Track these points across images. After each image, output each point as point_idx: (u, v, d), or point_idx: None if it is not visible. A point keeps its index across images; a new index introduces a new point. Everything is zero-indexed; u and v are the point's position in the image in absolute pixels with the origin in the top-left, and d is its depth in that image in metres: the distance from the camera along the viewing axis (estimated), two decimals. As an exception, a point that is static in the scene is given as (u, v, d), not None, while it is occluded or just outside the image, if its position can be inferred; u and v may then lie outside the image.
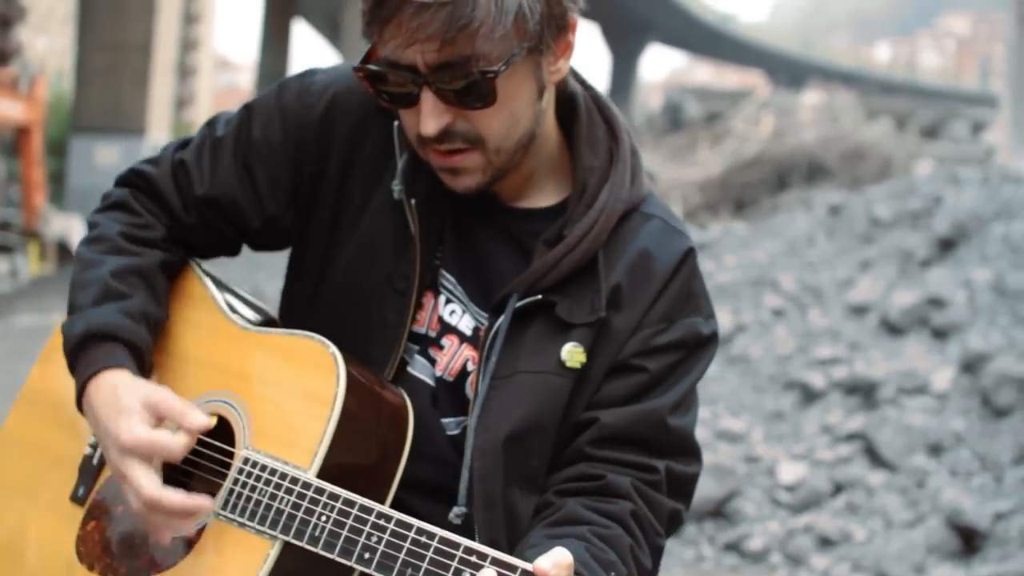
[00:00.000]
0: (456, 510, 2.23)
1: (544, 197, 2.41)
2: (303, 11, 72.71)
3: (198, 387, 2.33)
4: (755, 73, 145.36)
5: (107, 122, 41.09)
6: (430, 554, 1.97)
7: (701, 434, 8.38)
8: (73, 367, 2.33)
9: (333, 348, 2.23)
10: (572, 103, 2.42)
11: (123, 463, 2.18)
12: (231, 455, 2.23)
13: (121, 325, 2.32)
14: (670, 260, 2.34)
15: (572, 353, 2.27)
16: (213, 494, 2.20)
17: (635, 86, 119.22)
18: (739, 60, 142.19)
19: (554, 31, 2.22)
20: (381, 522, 2.03)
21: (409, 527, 2.01)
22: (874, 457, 7.63)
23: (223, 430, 2.26)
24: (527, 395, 2.26)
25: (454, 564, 1.95)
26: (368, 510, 2.05)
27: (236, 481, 2.18)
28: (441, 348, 2.38)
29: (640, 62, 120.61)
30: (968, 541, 6.59)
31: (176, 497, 2.14)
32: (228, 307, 2.46)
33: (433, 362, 2.38)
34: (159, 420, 2.22)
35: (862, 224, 12.53)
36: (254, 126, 2.49)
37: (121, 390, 2.24)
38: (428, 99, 2.18)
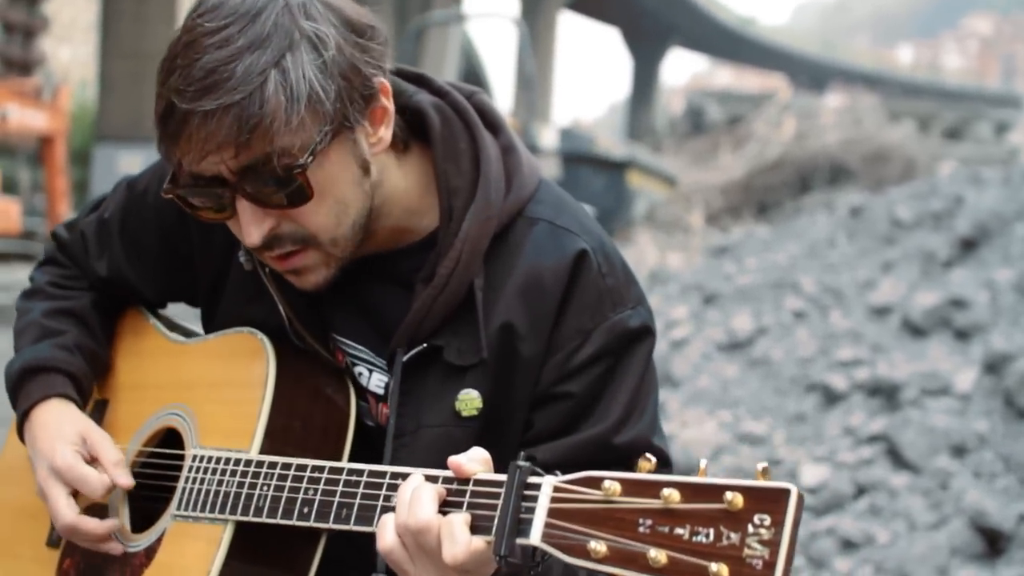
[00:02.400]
0: None
1: (416, 229, 2.26)
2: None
3: (151, 408, 2.39)
4: (777, 76, 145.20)
5: (130, 131, 41.23)
6: (360, 489, 1.98)
7: (723, 437, 8.37)
8: (15, 401, 2.40)
9: (261, 335, 2.24)
10: (422, 119, 2.24)
11: (48, 484, 2.26)
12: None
13: (56, 357, 2.40)
14: (561, 269, 2.17)
15: (465, 402, 2.16)
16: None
17: (657, 90, 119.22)
18: (760, 63, 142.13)
19: (360, 104, 2.06)
20: (315, 475, 2.04)
21: (340, 471, 2.02)
22: (897, 459, 7.58)
23: (178, 441, 2.30)
24: (430, 452, 2.13)
25: (383, 492, 1.95)
26: (303, 467, 2.06)
27: (187, 479, 2.21)
28: (368, 402, 2.32)
29: (662, 66, 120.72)
30: (992, 543, 6.54)
31: (91, 523, 2.24)
32: (167, 327, 2.52)
33: (370, 413, 2.33)
34: (92, 459, 2.28)
35: (883, 225, 12.46)
36: (130, 216, 2.49)
37: (64, 419, 2.33)
38: (244, 208, 2.04)
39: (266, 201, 2.02)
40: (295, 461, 2.06)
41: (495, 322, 2.16)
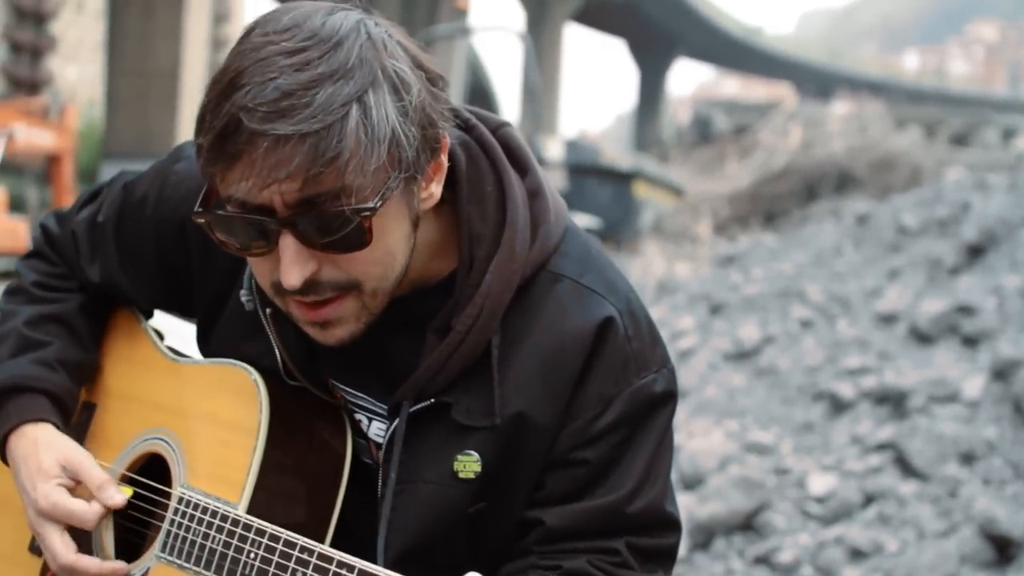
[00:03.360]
0: None
1: (433, 273, 2.12)
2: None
3: (136, 425, 2.33)
4: (783, 85, 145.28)
5: (137, 148, 41.47)
6: None
7: (730, 447, 8.34)
8: None
9: (256, 375, 2.16)
10: (450, 158, 2.06)
11: (40, 526, 2.20)
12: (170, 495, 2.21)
13: (36, 376, 2.31)
14: (585, 336, 2.06)
15: (464, 463, 2.06)
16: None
17: (663, 101, 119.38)
18: (767, 72, 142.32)
19: (428, 155, 1.94)
20: (304, 556, 1.97)
21: (330, 560, 1.94)
22: (905, 467, 7.55)
23: (163, 468, 2.25)
24: (424, 507, 2.08)
25: None
26: (292, 544, 1.99)
27: (172, 522, 2.15)
28: (365, 441, 2.24)
29: (668, 77, 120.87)
30: (1002, 550, 6.50)
31: (91, 563, 2.17)
32: (159, 337, 2.45)
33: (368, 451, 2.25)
34: (76, 483, 2.22)
35: (889, 233, 12.44)
36: (126, 223, 2.36)
37: (41, 447, 2.25)
38: (289, 246, 1.89)
39: (318, 241, 1.88)
40: (284, 535, 2.00)
41: (510, 386, 2.06)
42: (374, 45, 1.87)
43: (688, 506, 7.34)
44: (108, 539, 2.27)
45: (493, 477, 2.08)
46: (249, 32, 1.90)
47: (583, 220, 27.96)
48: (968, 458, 7.44)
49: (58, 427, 2.31)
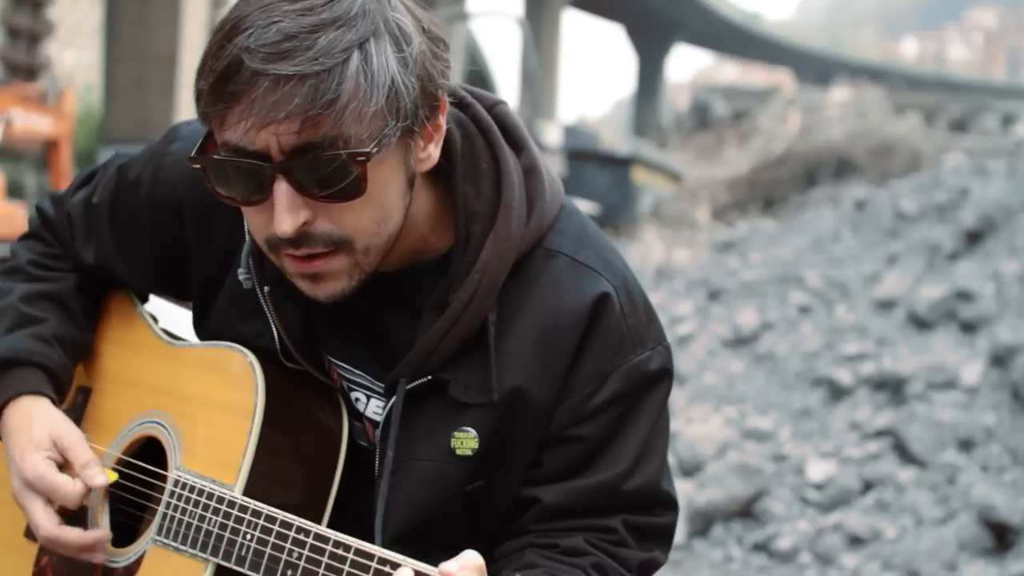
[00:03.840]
0: None
1: (429, 249, 2.12)
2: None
3: (132, 409, 2.32)
4: (782, 71, 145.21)
5: (135, 133, 41.32)
6: (347, 567, 1.90)
7: (728, 433, 8.35)
8: None
9: (251, 357, 2.15)
10: (446, 134, 2.07)
11: (24, 496, 2.20)
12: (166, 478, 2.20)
13: (32, 350, 2.30)
14: (581, 311, 2.05)
15: (461, 440, 2.05)
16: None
17: (662, 87, 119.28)
18: (766, 58, 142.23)
19: (427, 112, 1.93)
20: (301, 537, 1.96)
21: (326, 540, 1.94)
22: (903, 453, 7.56)
23: (160, 452, 2.24)
24: (421, 484, 2.07)
25: (369, 575, 1.87)
26: (288, 525, 1.98)
27: (168, 505, 2.15)
28: (363, 423, 2.23)
29: (666, 63, 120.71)
30: (1000, 537, 6.51)
31: (72, 534, 2.16)
32: (154, 321, 2.43)
33: (364, 434, 2.24)
34: (65, 460, 2.21)
35: (888, 218, 12.43)
36: (121, 205, 2.36)
37: (35, 420, 2.24)
38: (283, 192, 1.88)
39: (312, 189, 1.88)
40: (280, 516, 1.99)
41: (506, 362, 2.05)
42: None
43: (687, 492, 7.35)
44: (104, 522, 2.26)
45: (490, 454, 2.07)
46: None
47: (581, 206, 27.96)
48: (966, 444, 7.45)
49: (54, 401, 2.30)
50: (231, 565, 2.03)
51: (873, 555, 6.74)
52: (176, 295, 2.47)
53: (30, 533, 2.34)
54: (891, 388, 8.41)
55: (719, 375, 9.90)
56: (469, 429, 2.06)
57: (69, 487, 2.17)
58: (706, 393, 9.56)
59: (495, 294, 2.04)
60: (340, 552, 1.91)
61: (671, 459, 8.02)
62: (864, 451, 7.72)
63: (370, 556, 1.88)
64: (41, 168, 37.42)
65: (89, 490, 2.20)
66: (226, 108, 1.84)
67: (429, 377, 2.06)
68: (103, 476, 2.19)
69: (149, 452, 2.28)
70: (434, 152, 2.00)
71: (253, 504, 2.03)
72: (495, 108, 2.19)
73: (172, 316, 2.52)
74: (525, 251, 2.08)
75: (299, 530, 1.97)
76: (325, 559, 1.92)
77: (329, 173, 1.86)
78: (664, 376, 2.13)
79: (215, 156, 1.91)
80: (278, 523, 1.99)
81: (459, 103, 2.15)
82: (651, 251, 25.51)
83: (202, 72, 1.87)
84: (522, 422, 2.07)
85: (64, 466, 2.22)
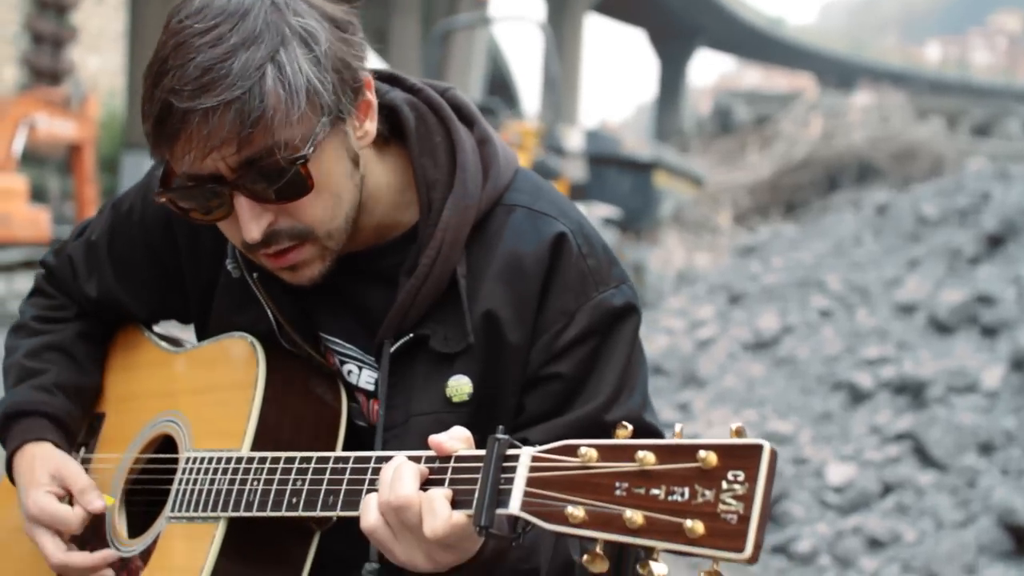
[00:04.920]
0: (368, 566, 2.14)
1: (398, 224, 2.28)
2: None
3: (146, 417, 2.43)
4: (804, 75, 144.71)
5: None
6: (347, 476, 1.99)
7: (749, 436, 8.32)
8: (2, 444, 2.49)
9: (251, 338, 2.27)
10: (396, 117, 2.28)
11: (32, 530, 2.35)
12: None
13: (34, 400, 2.47)
14: (541, 253, 2.19)
15: (455, 388, 2.18)
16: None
17: (684, 91, 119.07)
18: (788, 63, 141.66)
19: (350, 96, 2.09)
20: (303, 465, 2.06)
21: (326, 459, 2.04)
22: (923, 457, 7.56)
23: (174, 447, 2.33)
24: (421, 440, 2.08)
25: (368, 476, 1.96)
26: (291, 459, 2.08)
27: (180, 481, 2.24)
28: (358, 402, 2.35)
29: (689, 67, 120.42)
30: (1020, 541, 6.51)
31: (79, 558, 2.30)
32: (160, 339, 2.56)
33: (361, 413, 2.36)
34: (67, 491, 2.36)
35: (909, 223, 12.40)
36: (117, 236, 2.53)
37: (38, 462, 2.40)
38: (243, 204, 2.05)
39: (266, 195, 2.03)
40: (284, 454, 2.08)
41: (479, 308, 2.18)
42: (277, 8, 2.00)
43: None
44: (120, 523, 2.34)
45: (482, 400, 2.19)
46: (168, 22, 2.05)
47: (603, 210, 27.90)
48: (987, 448, 7.44)
49: (57, 444, 2.46)
50: (240, 513, 2.10)
51: (892, 558, 6.75)
52: (178, 318, 2.60)
53: None
54: (911, 392, 8.41)
55: (740, 378, 9.91)
56: (461, 376, 2.18)
57: (69, 515, 2.32)
58: (726, 396, 9.57)
59: (460, 248, 2.19)
60: (340, 466, 2.01)
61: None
62: (884, 454, 7.72)
63: (367, 459, 1.99)
64: (65, 172, 37.61)
65: (89, 514, 2.33)
66: (170, 146, 2.01)
67: (411, 335, 2.20)
68: (100, 501, 2.34)
69: (165, 449, 2.38)
70: (371, 127, 2.16)
71: (259, 454, 2.12)
72: (447, 92, 2.36)
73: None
74: (485, 209, 2.24)
75: (302, 460, 2.07)
76: (327, 476, 2.02)
77: (276, 179, 2.01)
78: (630, 311, 2.25)
79: (175, 186, 2.07)
80: (282, 461, 2.09)
81: (411, 88, 2.33)
82: (673, 255, 25.54)
83: (143, 117, 2.04)
84: (504, 363, 2.19)
85: (66, 497, 2.36)
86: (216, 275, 2.37)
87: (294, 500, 2.04)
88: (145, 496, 2.39)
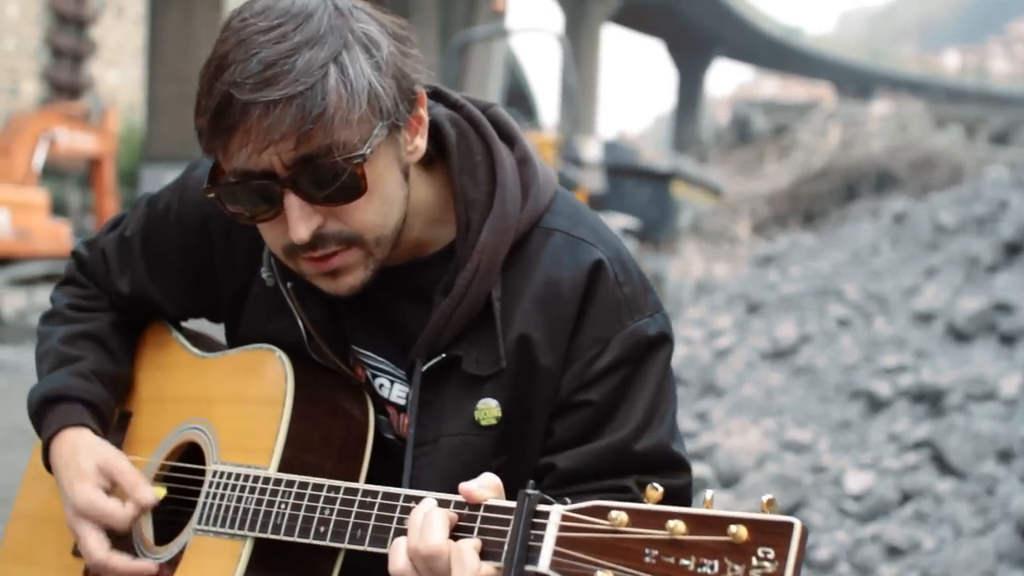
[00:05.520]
0: None
1: (435, 241, 2.27)
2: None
3: (173, 421, 2.44)
4: (822, 85, 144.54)
5: (177, 152, 41.53)
6: (375, 511, 2.00)
7: (767, 445, 8.35)
8: (38, 430, 2.47)
9: (280, 352, 2.28)
10: (438, 132, 2.27)
11: (76, 524, 2.33)
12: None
13: (72, 385, 2.45)
14: (579, 280, 2.18)
15: (484, 411, 2.17)
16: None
17: (702, 101, 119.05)
18: (806, 72, 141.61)
19: (406, 106, 2.09)
20: (331, 494, 2.07)
21: (355, 491, 2.05)
22: (942, 465, 7.55)
23: (199, 454, 2.35)
24: (449, 460, 2.17)
25: (396, 514, 1.97)
26: (319, 487, 2.09)
27: (208, 495, 2.25)
28: (388, 415, 2.35)
29: (706, 77, 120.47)
30: (1039, 548, 6.50)
31: (121, 561, 2.29)
32: (190, 341, 2.57)
33: (390, 426, 2.35)
34: (113, 485, 2.35)
35: (927, 231, 12.38)
36: (152, 233, 2.52)
37: (81, 451, 2.38)
38: (293, 203, 2.04)
39: (318, 196, 2.03)
40: (312, 480, 2.10)
41: (513, 333, 2.17)
42: (341, 13, 2.03)
43: (725, 503, 7.36)
44: (147, 528, 2.35)
45: (512, 424, 2.19)
46: (229, 21, 2.05)
47: (621, 220, 27.92)
48: (1005, 456, 7.43)
49: (96, 431, 2.44)
50: (268, 535, 2.12)
51: (911, 566, 6.74)
52: (208, 317, 2.59)
53: (78, 552, 2.44)
54: (930, 400, 8.40)
55: (758, 387, 9.90)
56: (490, 400, 2.18)
57: (119, 511, 2.31)
58: (745, 405, 9.57)
59: (497, 270, 2.18)
60: (368, 500, 2.02)
61: (710, 470, 8.06)
62: (902, 462, 7.71)
63: (396, 496, 1.99)
64: (85, 186, 37.78)
65: (141, 512, 2.32)
66: (226, 139, 2.01)
67: (443, 355, 2.19)
68: (152, 495, 2.32)
69: (190, 457, 2.39)
70: (420, 143, 2.17)
71: (287, 476, 2.13)
72: (489, 109, 2.35)
73: (210, 330, 2.64)
74: (524, 231, 2.22)
75: (330, 488, 2.08)
76: (355, 508, 2.03)
77: (331, 179, 2.03)
78: (663, 341, 2.24)
79: (226, 182, 2.06)
80: (310, 487, 2.10)
81: (453, 104, 2.32)
82: (691, 266, 25.52)
83: (198, 112, 2.03)
84: (535, 390, 2.18)
85: (112, 491, 2.35)
86: (249, 280, 2.37)
87: (322, 529, 2.05)
88: (171, 504, 2.39)
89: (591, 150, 37.33)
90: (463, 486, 1.89)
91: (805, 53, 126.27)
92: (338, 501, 2.05)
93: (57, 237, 26.22)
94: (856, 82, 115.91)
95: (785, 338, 10.67)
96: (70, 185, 53.75)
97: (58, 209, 35.73)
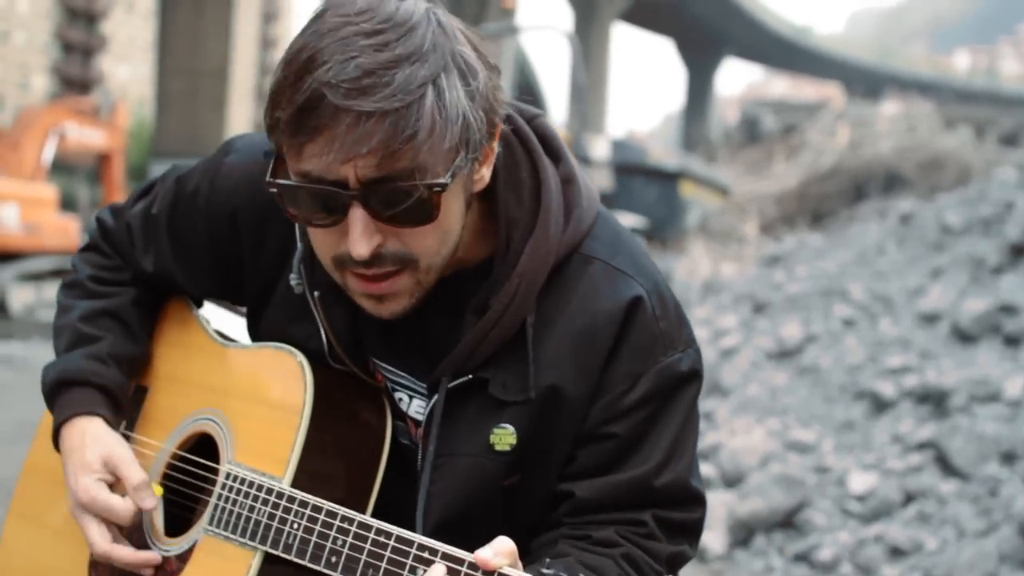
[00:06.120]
0: None
1: (471, 256, 2.20)
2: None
3: (187, 407, 2.43)
4: (832, 85, 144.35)
5: (186, 147, 41.66)
6: (388, 553, 1.98)
7: (771, 445, 8.36)
8: (51, 410, 2.44)
9: (301, 357, 2.26)
10: None
11: (79, 516, 2.32)
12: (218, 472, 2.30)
13: (87, 369, 2.42)
14: (615, 316, 2.14)
15: (500, 436, 2.15)
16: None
17: (711, 101, 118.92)
18: (816, 72, 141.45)
19: (487, 139, 2.03)
20: (345, 525, 2.05)
21: (369, 528, 2.02)
22: (946, 466, 7.55)
23: (213, 447, 2.34)
24: (461, 479, 2.16)
25: (409, 561, 1.95)
26: (333, 514, 2.07)
27: (220, 496, 2.24)
28: (405, 423, 2.33)
29: (716, 77, 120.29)
30: (1041, 549, 6.51)
31: (124, 552, 2.28)
32: (207, 324, 2.54)
33: (407, 432, 2.34)
34: (116, 479, 2.33)
35: (933, 232, 12.39)
36: (179, 215, 2.45)
37: (88, 442, 2.36)
38: (359, 218, 1.96)
39: (387, 215, 1.96)
40: (325, 505, 2.08)
41: (544, 362, 2.15)
42: (444, 32, 1.95)
43: (729, 503, 7.38)
44: (158, 516, 2.36)
45: (527, 450, 2.16)
46: (323, 13, 1.96)
47: (629, 219, 27.92)
48: (1009, 457, 7.43)
49: (108, 420, 2.42)
50: (279, 552, 2.12)
51: (914, 567, 6.75)
52: (231, 301, 2.57)
53: None
54: (934, 401, 8.41)
55: (762, 387, 9.92)
56: (507, 426, 2.15)
57: (121, 507, 2.30)
58: (749, 405, 9.58)
59: (534, 297, 2.13)
60: (382, 539, 1.99)
61: (714, 470, 8.08)
62: (906, 463, 7.72)
63: (409, 543, 1.96)
64: (94, 181, 37.78)
65: (139, 509, 2.31)
66: (307, 140, 1.91)
67: (470, 376, 2.15)
68: (153, 499, 2.32)
69: (202, 447, 2.39)
70: (486, 174, 2.10)
71: (300, 495, 2.12)
72: (534, 120, 2.28)
73: (225, 321, 2.62)
74: (563, 256, 2.17)
75: (343, 519, 2.05)
76: (367, 546, 2.00)
77: (405, 201, 1.94)
78: (694, 377, 2.22)
79: (293, 183, 1.98)
80: (324, 512, 2.08)
81: None
82: (698, 265, 25.49)
83: (278, 102, 1.94)
84: (558, 419, 2.16)
85: (115, 484, 2.34)
86: (276, 277, 2.33)
87: (333, 559, 2.03)
88: (181, 495, 2.40)
89: (599, 148, 37.35)
90: (478, 554, 1.86)
91: (815, 53, 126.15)
92: (351, 534, 2.03)
93: (66, 232, 26.21)
94: (865, 82, 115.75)
95: (790, 338, 10.68)
96: (79, 180, 53.76)
97: (67, 204, 35.74)
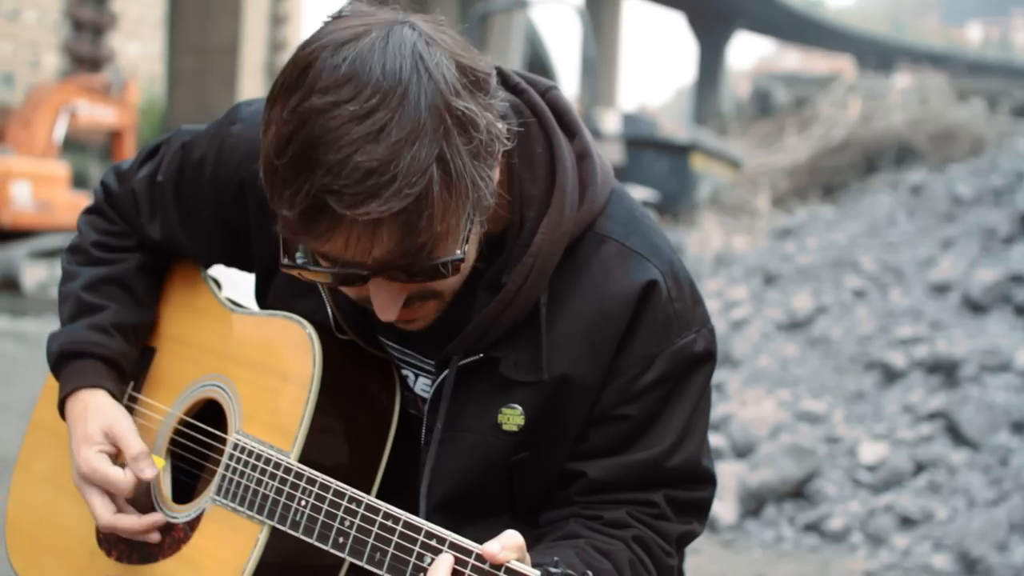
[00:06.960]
0: None
1: (484, 231, 2.10)
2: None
3: (194, 371, 2.43)
4: (844, 58, 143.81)
5: (198, 123, 41.60)
6: (395, 539, 1.97)
7: (782, 415, 8.36)
8: (57, 380, 2.45)
9: (310, 329, 2.24)
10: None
11: (81, 488, 2.33)
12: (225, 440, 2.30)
13: (92, 341, 2.43)
14: (629, 299, 2.13)
15: (508, 416, 2.14)
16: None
17: (723, 74, 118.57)
18: (827, 45, 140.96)
19: (494, 163, 1.96)
20: (352, 506, 2.04)
21: (377, 511, 2.01)
22: (956, 436, 7.56)
23: (220, 413, 2.35)
24: (467, 456, 2.15)
25: (416, 548, 1.94)
26: (341, 494, 2.06)
27: (227, 467, 2.24)
28: (412, 394, 2.32)
29: (728, 50, 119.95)
30: (1052, 518, 6.51)
31: (127, 521, 2.29)
32: (217, 287, 2.55)
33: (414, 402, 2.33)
34: (118, 450, 2.34)
35: (943, 203, 12.36)
36: (186, 182, 2.43)
37: (90, 414, 2.37)
38: (382, 288, 1.97)
39: (408, 282, 1.96)
40: (333, 484, 2.08)
41: (556, 344, 2.13)
42: (436, 84, 1.84)
43: (739, 473, 7.39)
44: (165, 482, 2.37)
45: (535, 430, 2.16)
46: (306, 92, 1.85)
47: (640, 192, 27.89)
48: (1019, 427, 7.44)
49: (111, 391, 2.43)
50: (286, 529, 2.12)
51: (924, 536, 6.76)
52: (240, 267, 2.56)
53: None
54: (944, 371, 8.40)
55: (773, 358, 9.91)
56: (516, 406, 2.15)
57: (121, 479, 2.30)
58: (760, 376, 9.58)
59: (548, 276, 2.12)
60: (389, 524, 1.99)
61: (724, 440, 8.08)
62: (917, 433, 7.72)
63: (417, 529, 1.95)
64: (105, 158, 37.84)
65: (140, 480, 2.32)
66: (317, 243, 1.89)
67: (481, 355, 2.15)
68: (152, 469, 2.32)
69: (209, 413, 2.39)
70: (494, 201, 2.00)
71: (308, 472, 2.11)
72: (548, 93, 2.25)
73: (235, 282, 2.62)
74: (577, 235, 2.15)
75: (351, 499, 2.04)
76: (375, 529, 2.00)
77: (423, 273, 1.93)
78: (708, 358, 2.22)
79: (309, 267, 1.96)
80: (331, 491, 2.08)
81: (514, 88, 2.20)
82: (710, 238, 25.45)
83: (279, 198, 1.88)
84: (568, 402, 2.15)
85: (117, 456, 2.35)
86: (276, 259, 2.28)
87: (340, 540, 2.03)
88: (187, 459, 2.41)
89: (611, 122, 37.27)
90: (485, 547, 1.85)
91: (827, 25, 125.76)
92: (358, 516, 2.02)
93: (78, 210, 26.18)
94: (877, 55, 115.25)
95: (801, 309, 10.67)
96: (91, 157, 53.82)
97: (79, 182, 35.79)
